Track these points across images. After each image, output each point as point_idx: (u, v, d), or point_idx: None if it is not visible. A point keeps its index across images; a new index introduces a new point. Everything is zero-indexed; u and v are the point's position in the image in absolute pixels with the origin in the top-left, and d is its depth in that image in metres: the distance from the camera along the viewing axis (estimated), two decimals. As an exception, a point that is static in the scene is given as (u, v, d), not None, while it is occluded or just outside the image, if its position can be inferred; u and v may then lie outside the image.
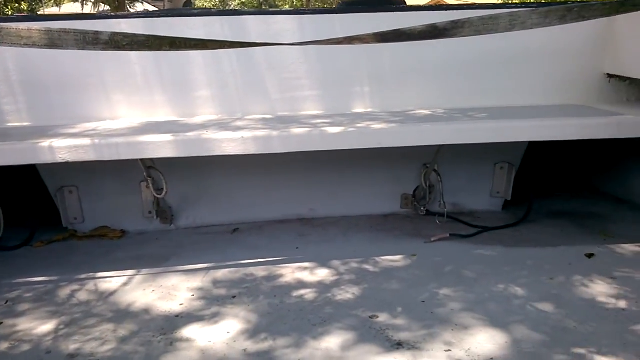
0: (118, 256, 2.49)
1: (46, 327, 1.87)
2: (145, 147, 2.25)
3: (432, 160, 2.75)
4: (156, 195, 2.58)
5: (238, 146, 2.29)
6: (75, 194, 2.74)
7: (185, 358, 1.66)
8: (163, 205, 2.75)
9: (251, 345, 1.73)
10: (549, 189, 3.34)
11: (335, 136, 2.33)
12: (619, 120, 2.49)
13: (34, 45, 1.94)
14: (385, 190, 2.98)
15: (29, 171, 2.62)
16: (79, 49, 1.98)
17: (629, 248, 2.44)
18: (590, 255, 2.37)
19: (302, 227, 2.82)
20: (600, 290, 2.05)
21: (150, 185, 2.55)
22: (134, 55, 2.62)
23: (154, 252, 2.52)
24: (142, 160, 2.44)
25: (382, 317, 1.88)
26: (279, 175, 2.88)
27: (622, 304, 1.94)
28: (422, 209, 2.92)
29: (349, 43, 2.25)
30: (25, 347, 1.75)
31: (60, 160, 2.22)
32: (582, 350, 1.66)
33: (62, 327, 1.87)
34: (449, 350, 1.67)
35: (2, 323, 1.91)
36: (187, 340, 1.77)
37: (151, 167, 2.54)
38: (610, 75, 2.92)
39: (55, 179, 2.71)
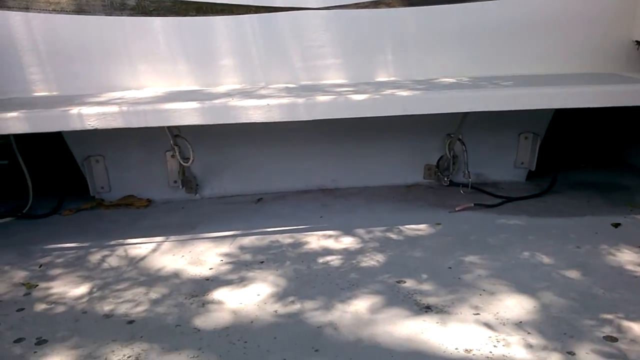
0: (145, 224, 2.53)
1: (80, 290, 1.92)
2: (172, 114, 2.26)
3: (456, 129, 2.73)
4: (183, 163, 2.60)
5: (264, 113, 2.30)
6: (102, 163, 2.77)
7: (218, 319, 1.70)
8: (188, 174, 2.78)
9: (281, 308, 1.76)
10: (574, 160, 3.31)
11: (360, 103, 2.32)
12: None
13: (62, 11, 1.94)
14: (408, 160, 2.98)
15: (57, 141, 2.66)
16: (106, 14, 1.98)
17: (656, 218, 2.42)
18: (616, 225, 2.36)
19: (325, 197, 2.83)
20: (627, 258, 2.05)
21: (177, 153, 2.57)
22: (158, 23, 2.61)
23: (181, 221, 2.56)
24: (168, 128, 2.45)
25: (409, 283, 1.90)
26: (301, 146, 2.89)
27: (650, 271, 1.94)
28: (446, 179, 2.91)
29: (375, 7, 2.22)
30: (62, 308, 1.80)
31: (89, 127, 2.24)
32: (610, 316, 1.66)
33: (95, 290, 1.92)
34: (478, 314, 1.68)
35: (37, 285, 1.96)
36: (219, 302, 1.80)
37: (177, 136, 2.56)
38: (639, 43, 2.86)
39: (81, 148, 2.74)
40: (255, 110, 2.29)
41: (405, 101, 2.35)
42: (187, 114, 2.27)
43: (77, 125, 2.24)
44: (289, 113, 2.33)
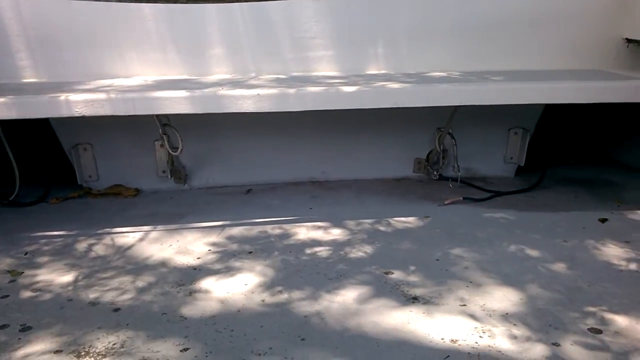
0: (133, 213, 2.51)
1: (66, 277, 1.91)
2: (161, 102, 2.24)
3: (446, 123, 2.74)
4: (172, 152, 2.58)
5: (254, 103, 2.28)
6: (90, 151, 2.75)
7: (205, 308, 1.69)
8: (177, 164, 2.76)
9: (268, 297, 1.75)
10: (564, 156, 3.33)
11: (351, 95, 2.31)
12: (637, 85, 2.46)
13: (51, -5, 1.91)
14: (398, 154, 2.98)
15: (44, 128, 2.63)
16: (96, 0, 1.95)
17: (643, 214, 2.45)
18: (603, 220, 2.38)
19: (315, 189, 2.83)
20: (613, 253, 2.06)
21: (166, 142, 2.55)
22: (148, 10, 2.58)
23: (169, 210, 2.54)
24: (157, 116, 2.44)
25: (397, 274, 1.90)
26: (292, 138, 2.88)
27: (635, 266, 1.96)
28: (435, 173, 2.92)
29: (368, -1, 2.21)
30: (47, 295, 1.78)
31: (77, 114, 2.22)
32: (594, 309, 1.68)
33: (81, 277, 1.90)
34: (464, 305, 1.69)
35: (22, 273, 1.94)
36: (206, 291, 1.80)
37: (166, 125, 2.54)
38: (629, 40, 2.87)
39: (69, 136, 2.71)
40: (245, 100, 2.28)
41: (397, 94, 2.35)
42: (176, 102, 2.25)
43: (64, 112, 2.22)
44: (280, 103, 2.32)
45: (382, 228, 2.31)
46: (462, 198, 2.63)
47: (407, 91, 2.36)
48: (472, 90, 2.41)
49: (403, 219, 2.40)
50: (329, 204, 2.63)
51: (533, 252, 2.07)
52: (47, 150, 2.86)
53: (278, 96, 2.30)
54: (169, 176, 2.76)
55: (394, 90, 2.34)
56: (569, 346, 1.48)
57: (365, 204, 2.62)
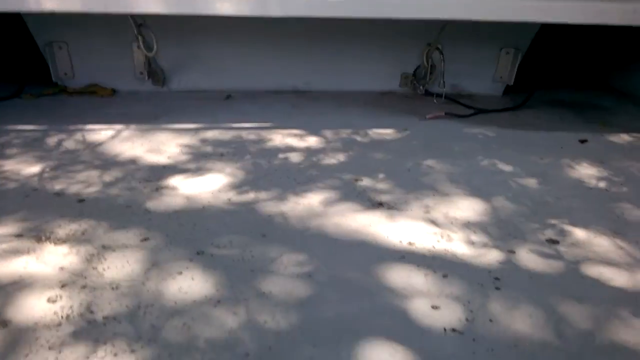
0: (108, 112, 2.47)
1: (33, 169, 1.89)
2: (134, 1, 2.14)
3: (435, 38, 2.64)
4: (147, 53, 2.50)
5: (232, 7, 2.19)
6: (65, 50, 2.67)
7: (170, 203, 1.69)
8: (155, 66, 2.69)
9: (235, 196, 1.75)
10: (556, 79, 3.26)
11: (337, 3, 2.21)
12: (635, 7, 2.35)
13: None
14: (385, 67, 2.91)
15: (18, 26, 2.54)
16: None
17: (624, 137, 2.42)
18: (583, 141, 2.35)
19: (297, 99, 2.78)
20: (586, 172, 2.05)
21: (141, 43, 2.46)
22: None
23: (144, 111, 2.50)
24: (132, 17, 2.34)
25: (366, 181, 1.89)
26: (275, 46, 2.79)
27: (605, 184, 1.95)
28: (421, 88, 2.86)
29: None
30: (12, 184, 1.78)
31: (46, 10, 2.12)
32: (555, 221, 1.68)
33: (48, 170, 1.89)
34: (427, 213, 1.70)
35: (-11, 163, 1.93)
36: (173, 188, 1.79)
37: (142, 25, 2.44)
38: (635, -42, 2.72)
39: (44, 34, 2.62)
40: (223, 3, 2.18)
41: (385, 4, 2.24)
42: (150, 2, 2.15)
43: (33, 7, 2.12)
44: (260, 8, 2.22)
45: (359, 138, 2.29)
46: (444, 113, 2.58)
47: (396, 2, 2.25)
48: (464, 3, 2.30)
49: (382, 130, 2.37)
50: (309, 114, 2.59)
51: (506, 167, 2.05)
52: (23, 47, 2.77)
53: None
54: (147, 77, 2.70)
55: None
56: (524, 254, 1.50)
57: (346, 115, 2.58)
